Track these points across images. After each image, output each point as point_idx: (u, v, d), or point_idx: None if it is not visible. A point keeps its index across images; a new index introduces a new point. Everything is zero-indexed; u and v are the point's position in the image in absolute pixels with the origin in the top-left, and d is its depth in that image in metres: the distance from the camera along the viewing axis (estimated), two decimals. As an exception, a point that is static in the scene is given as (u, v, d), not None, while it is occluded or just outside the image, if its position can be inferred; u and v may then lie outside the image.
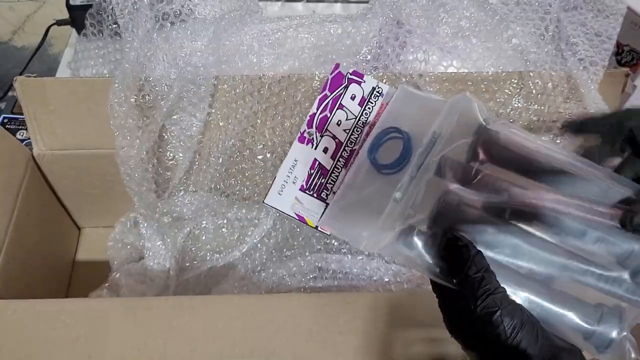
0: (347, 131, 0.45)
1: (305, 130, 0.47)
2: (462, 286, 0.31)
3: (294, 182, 0.44)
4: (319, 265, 0.59)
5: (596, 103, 0.56)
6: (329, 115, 0.46)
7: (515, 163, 0.33)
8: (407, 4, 0.58)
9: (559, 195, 0.33)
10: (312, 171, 0.44)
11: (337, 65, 0.48)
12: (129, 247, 0.64)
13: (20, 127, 0.72)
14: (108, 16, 0.59)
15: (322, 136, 0.45)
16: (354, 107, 0.45)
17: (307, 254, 0.60)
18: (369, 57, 0.58)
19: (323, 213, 0.42)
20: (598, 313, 0.32)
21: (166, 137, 0.57)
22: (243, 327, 0.42)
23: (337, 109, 0.46)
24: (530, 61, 0.60)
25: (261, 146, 0.58)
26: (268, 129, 0.57)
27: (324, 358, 0.41)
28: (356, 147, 0.45)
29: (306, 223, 0.43)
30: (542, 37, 0.59)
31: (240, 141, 0.58)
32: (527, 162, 0.33)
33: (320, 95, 0.48)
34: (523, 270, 0.32)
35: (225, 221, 0.64)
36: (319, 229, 0.42)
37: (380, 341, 0.42)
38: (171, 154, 0.58)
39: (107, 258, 0.64)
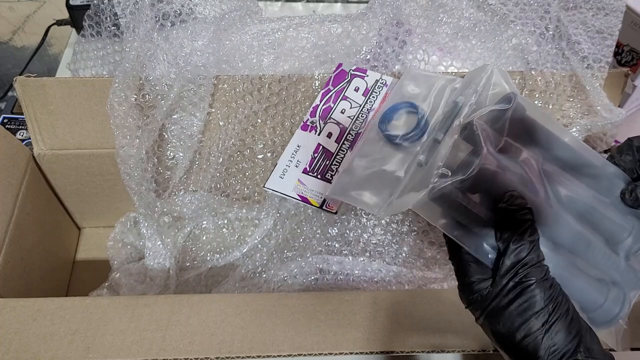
0: (352, 117, 0.45)
1: (308, 119, 0.48)
2: (508, 250, 0.30)
3: (296, 166, 0.45)
4: (320, 266, 0.59)
5: (601, 100, 0.56)
6: (332, 105, 0.47)
7: (536, 142, 0.33)
8: (407, 3, 0.58)
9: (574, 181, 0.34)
10: (316, 155, 0.44)
11: (340, 65, 0.49)
12: (129, 247, 0.64)
13: (20, 127, 0.72)
14: (107, 17, 0.59)
15: (325, 123, 0.46)
16: (358, 98, 0.46)
17: (308, 255, 0.60)
18: (369, 56, 0.58)
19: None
20: (606, 290, 0.32)
21: (166, 136, 0.57)
22: (242, 323, 0.42)
23: (340, 100, 0.46)
24: (531, 61, 0.60)
25: (261, 146, 0.58)
26: (268, 128, 0.57)
27: (323, 351, 0.41)
28: (361, 130, 0.45)
29: (310, 203, 0.43)
30: (542, 37, 0.59)
31: (241, 141, 0.58)
32: (547, 145, 0.34)
33: (324, 90, 0.48)
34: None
35: (225, 221, 0.64)
36: (325, 207, 0.42)
37: (380, 335, 0.42)
38: (171, 154, 0.58)
39: (107, 258, 0.64)
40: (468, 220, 0.32)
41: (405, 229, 0.63)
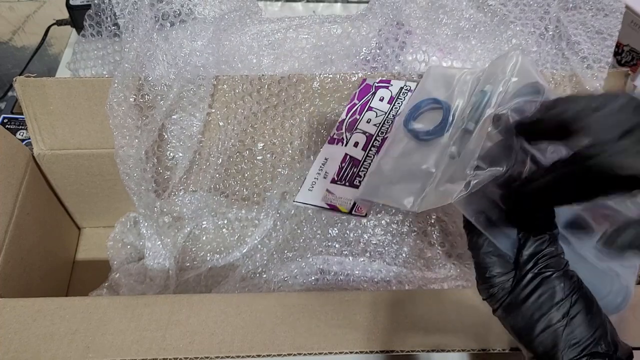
0: (378, 125, 0.45)
1: (334, 133, 0.48)
2: (529, 242, 0.30)
3: (324, 177, 0.45)
4: (321, 267, 0.59)
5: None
6: (358, 117, 0.47)
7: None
8: (407, 4, 0.58)
9: None
10: (343, 164, 0.45)
11: (364, 80, 0.49)
12: (129, 247, 0.64)
13: (20, 127, 0.72)
14: (107, 17, 0.59)
15: (352, 134, 0.46)
16: (383, 106, 0.46)
17: (308, 255, 0.60)
18: (369, 57, 0.58)
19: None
20: (611, 281, 0.33)
21: (166, 136, 0.57)
22: (242, 323, 0.42)
23: (366, 111, 0.47)
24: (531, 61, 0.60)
25: (261, 147, 0.58)
26: (268, 129, 0.57)
27: (323, 350, 0.41)
28: (387, 135, 0.45)
29: (338, 211, 0.43)
30: (542, 37, 0.59)
31: (240, 142, 0.58)
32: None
33: (349, 104, 0.49)
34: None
35: (225, 221, 0.64)
36: (354, 212, 0.42)
37: (380, 335, 0.42)
38: (171, 154, 0.58)
39: (107, 258, 0.64)
40: (495, 213, 0.31)
41: (405, 230, 0.63)
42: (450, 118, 0.37)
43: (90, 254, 0.68)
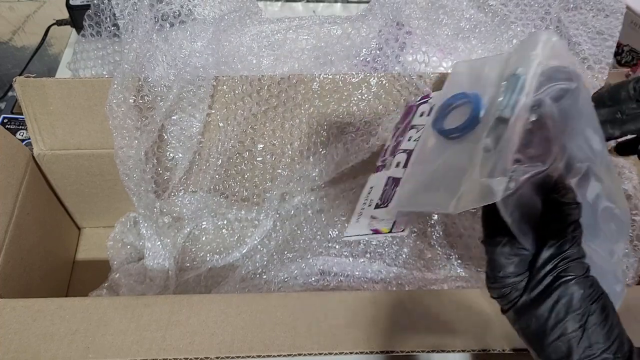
0: (417, 139, 0.43)
1: (379, 161, 0.47)
2: (550, 242, 0.29)
3: (369, 205, 0.44)
4: (321, 268, 0.59)
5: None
6: (401, 139, 0.45)
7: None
8: (407, 5, 0.58)
9: None
10: (386, 187, 0.43)
11: (408, 103, 0.49)
12: (128, 247, 0.64)
13: (20, 127, 0.72)
14: (106, 17, 0.59)
15: (394, 156, 0.45)
16: (424, 120, 0.44)
17: (308, 256, 0.60)
18: (369, 58, 0.58)
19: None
20: (614, 281, 0.32)
21: (166, 137, 0.57)
22: (242, 323, 0.42)
23: (408, 130, 0.45)
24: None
25: (260, 148, 0.58)
26: (267, 130, 0.57)
27: (323, 350, 0.41)
28: None
29: (380, 233, 0.42)
30: (542, 38, 0.59)
31: (240, 142, 0.58)
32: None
33: (394, 131, 0.48)
34: None
35: (225, 222, 0.64)
36: (393, 231, 0.40)
37: (380, 335, 0.42)
38: (171, 155, 0.58)
39: (107, 258, 0.64)
40: (526, 210, 0.30)
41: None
42: (481, 110, 0.34)
43: (90, 254, 0.68)
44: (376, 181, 0.44)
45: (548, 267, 0.28)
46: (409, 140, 0.43)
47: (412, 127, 0.44)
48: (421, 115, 0.45)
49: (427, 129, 0.39)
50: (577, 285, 0.28)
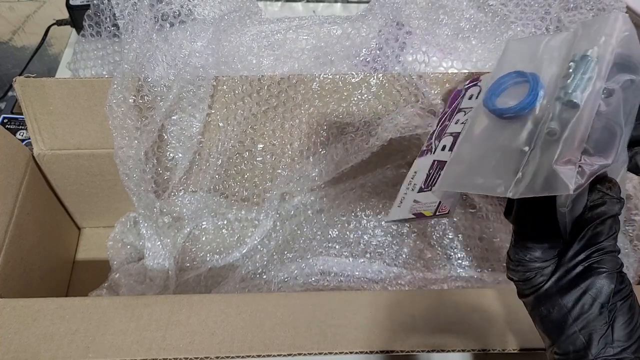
0: (465, 123, 0.41)
1: (424, 146, 0.46)
2: (588, 232, 0.28)
3: (412, 189, 0.42)
4: (321, 268, 0.59)
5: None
6: (447, 123, 0.43)
7: None
8: (407, 5, 0.58)
9: None
10: (431, 171, 0.41)
11: (455, 88, 0.47)
12: (128, 247, 0.64)
13: (20, 127, 0.72)
14: (106, 18, 0.59)
15: (440, 140, 0.42)
16: (473, 103, 0.42)
17: (308, 256, 0.60)
18: (369, 58, 0.58)
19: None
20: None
21: (166, 137, 0.57)
22: (242, 323, 0.42)
23: (456, 114, 0.43)
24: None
25: (260, 148, 0.58)
26: (267, 131, 0.57)
27: (323, 350, 0.41)
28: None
29: (424, 217, 0.40)
30: (542, 38, 0.59)
31: (240, 142, 0.58)
32: None
33: (440, 115, 0.46)
34: None
35: (225, 222, 0.64)
36: (438, 213, 0.38)
37: (380, 335, 0.42)
38: (171, 155, 0.58)
39: (107, 258, 0.64)
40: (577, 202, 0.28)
41: (405, 230, 0.63)
42: (540, 90, 0.31)
43: (90, 254, 0.68)
44: (421, 165, 0.43)
45: (581, 257, 0.27)
46: (456, 123, 0.41)
47: (460, 110, 0.42)
48: (470, 98, 0.43)
49: (478, 109, 0.36)
50: (608, 279, 0.27)
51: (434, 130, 0.46)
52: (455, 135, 0.41)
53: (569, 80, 0.29)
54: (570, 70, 0.29)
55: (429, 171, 0.42)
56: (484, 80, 0.43)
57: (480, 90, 0.41)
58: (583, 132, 0.27)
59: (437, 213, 0.39)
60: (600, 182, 0.28)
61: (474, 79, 0.45)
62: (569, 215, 0.28)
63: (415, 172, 0.44)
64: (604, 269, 0.27)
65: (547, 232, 0.29)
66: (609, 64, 0.28)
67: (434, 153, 0.42)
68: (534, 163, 0.29)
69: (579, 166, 0.26)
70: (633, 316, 0.27)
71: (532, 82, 0.32)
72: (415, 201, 0.41)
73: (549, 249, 0.29)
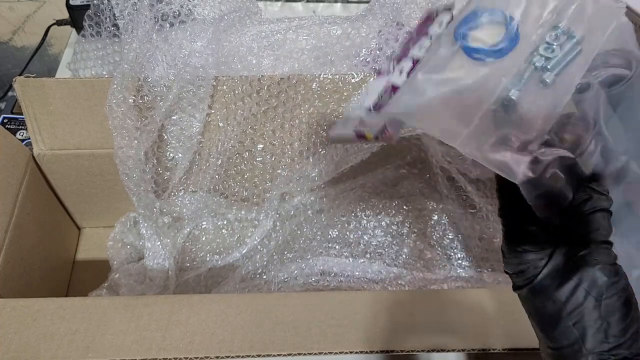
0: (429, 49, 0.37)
1: (381, 68, 0.43)
2: (580, 223, 0.27)
3: (360, 108, 0.41)
4: (321, 268, 0.59)
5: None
6: (410, 46, 0.41)
7: None
8: (407, 5, 0.58)
9: None
10: (383, 93, 0.38)
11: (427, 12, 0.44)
12: (128, 247, 0.64)
13: (20, 127, 0.72)
14: (106, 18, 0.59)
15: (398, 62, 0.39)
16: (442, 29, 0.38)
17: (308, 257, 0.60)
18: (369, 58, 0.58)
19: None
20: None
21: (166, 137, 0.57)
22: (242, 323, 0.42)
23: (422, 38, 0.39)
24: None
25: (260, 148, 0.58)
26: (267, 131, 0.57)
27: (323, 350, 0.41)
28: None
29: (364, 139, 0.37)
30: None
31: (240, 143, 0.58)
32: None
33: (406, 38, 0.43)
34: None
35: (225, 222, 0.64)
36: (380, 137, 0.36)
37: (380, 334, 0.42)
38: (170, 155, 0.58)
39: (107, 258, 0.64)
40: (553, 195, 0.27)
41: (405, 231, 0.63)
42: (516, 35, 0.29)
43: (90, 254, 0.68)
44: (373, 86, 0.40)
45: (572, 249, 0.27)
46: (420, 49, 0.38)
47: (426, 34, 0.39)
48: (440, 25, 0.41)
49: (446, 38, 0.33)
50: (601, 272, 0.26)
51: (394, 53, 0.42)
52: (416, 61, 0.37)
53: (547, 52, 0.27)
54: (554, 43, 0.27)
55: (380, 93, 0.39)
56: (460, 9, 0.38)
57: (452, 18, 0.37)
58: (542, 123, 0.25)
59: (380, 137, 0.36)
60: (589, 179, 0.28)
61: (448, 4, 0.42)
62: (551, 209, 0.27)
63: (367, 92, 0.40)
64: (596, 261, 0.26)
65: (534, 219, 0.28)
66: (591, 58, 0.27)
67: (388, 75, 0.39)
68: (491, 130, 0.27)
69: (535, 157, 0.25)
70: (629, 311, 0.26)
71: (508, 27, 0.29)
72: (360, 120, 0.38)
73: (541, 241, 0.28)
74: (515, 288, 0.30)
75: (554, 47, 0.27)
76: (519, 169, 0.25)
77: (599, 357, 0.26)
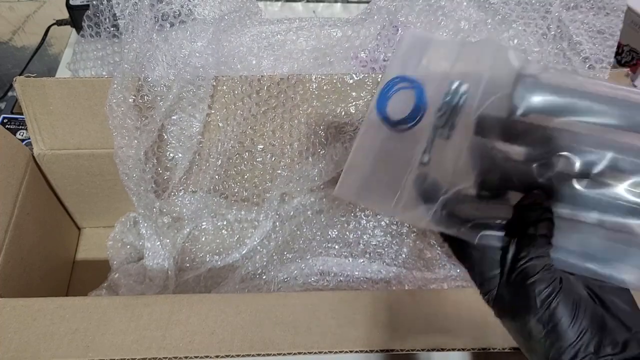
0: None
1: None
2: (517, 243, 0.27)
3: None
4: (321, 268, 0.59)
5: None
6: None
7: (561, 106, 0.29)
8: (404, 8, 0.58)
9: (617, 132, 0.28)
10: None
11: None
12: (128, 247, 0.64)
13: (20, 127, 0.72)
14: (106, 18, 0.59)
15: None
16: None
17: (308, 257, 0.60)
18: (367, 60, 0.58)
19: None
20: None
21: (166, 137, 0.57)
22: (242, 323, 0.42)
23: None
24: (533, 61, 0.59)
25: (260, 148, 0.58)
26: (267, 131, 0.57)
27: (323, 350, 0.41)
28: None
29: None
30: (544, 37, 0.59)
31: (239, 143, 0.58)
32: (572, 103, 0.28)
33: None
34: (590, 220, 0.28)
35: (225, 222, 0.64)
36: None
37: (380, 334, 0.42)
38: (170, 154, 0.58)
39: (107, 258, 0.64)
40: (484, 218, 0.29)
41: (405, 230, 0.63)
42: (423, 104, 0.31)
43: (90, 254, 0.68)
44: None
45: (511, 265, 0.28)
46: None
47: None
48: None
49: (372, 111, 0.35)
50: (538, 284, 0.26)
51: None
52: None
53: (439, 109, 0.29)
54: (444, 102, 0.29)
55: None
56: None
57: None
58: (448, 171, 0.27)
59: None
60: (526, 197, 0.29)
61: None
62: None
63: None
64: (533, 273, 0.26)
65: (483, 252, 0.30)
66: (477, 99, 0.28)
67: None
68: (405, 197, 0.29)
69: (444, 203, 0.27)
70: (577, 313, 0.26)
71: (418, 100, 0.32)
72: None
73: (497, 265, 0.29)
74: (496, 315, 0.30)
75: (448, 97, 0.29)
76: (427, 217, 0.27)
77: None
